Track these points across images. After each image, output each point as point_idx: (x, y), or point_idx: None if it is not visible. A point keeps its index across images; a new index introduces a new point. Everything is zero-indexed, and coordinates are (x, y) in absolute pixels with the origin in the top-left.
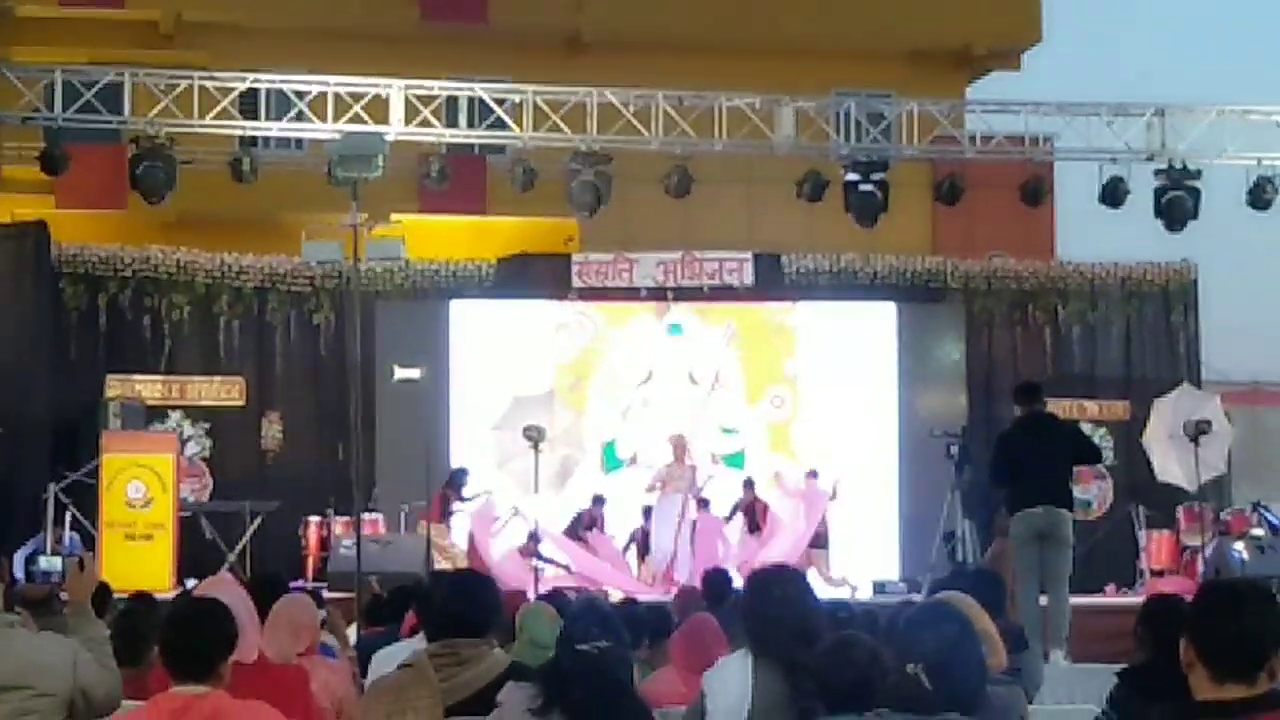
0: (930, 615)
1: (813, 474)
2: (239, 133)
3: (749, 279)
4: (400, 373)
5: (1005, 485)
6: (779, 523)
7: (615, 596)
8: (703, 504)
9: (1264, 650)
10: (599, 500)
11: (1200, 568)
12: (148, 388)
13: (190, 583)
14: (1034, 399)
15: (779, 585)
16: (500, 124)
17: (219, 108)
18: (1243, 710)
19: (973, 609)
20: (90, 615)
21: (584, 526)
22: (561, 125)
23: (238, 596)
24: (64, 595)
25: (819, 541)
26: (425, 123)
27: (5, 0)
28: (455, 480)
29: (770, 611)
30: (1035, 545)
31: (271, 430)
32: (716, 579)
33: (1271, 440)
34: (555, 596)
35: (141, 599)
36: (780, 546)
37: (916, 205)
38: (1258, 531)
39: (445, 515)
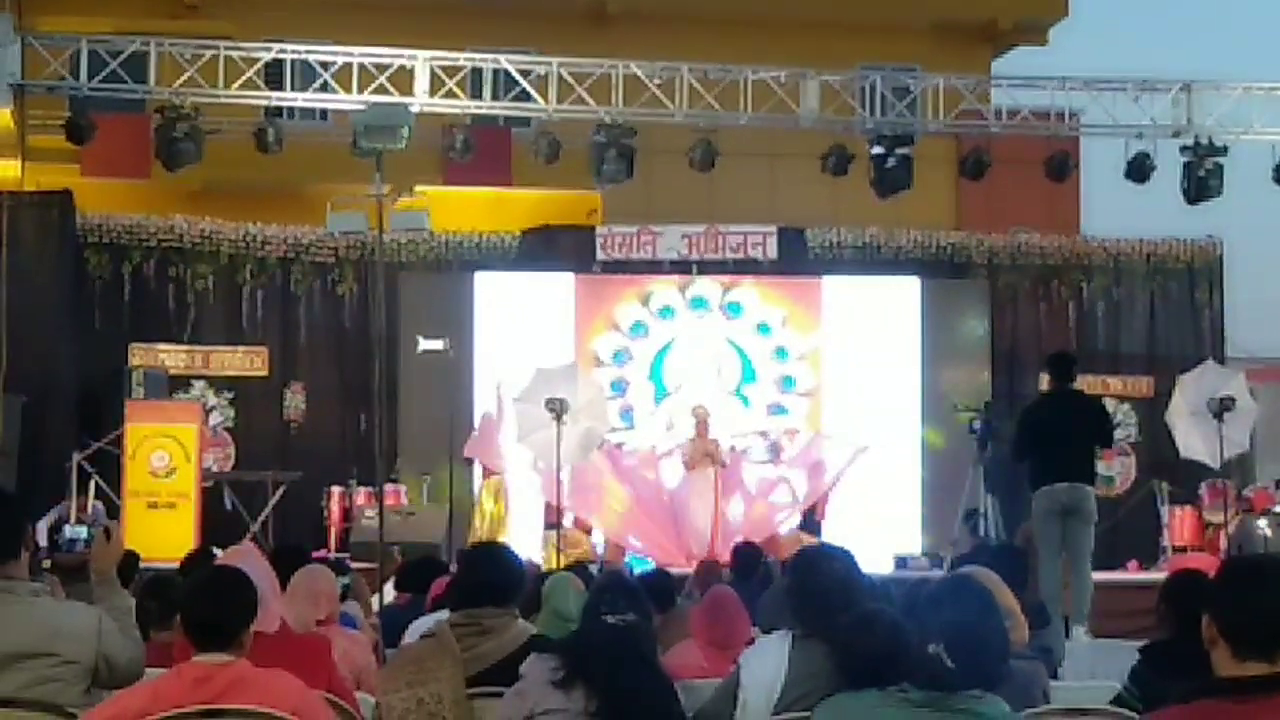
0: (951, 591)
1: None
2: (264, 103)
3: (773, 253)
4: (424, 344)
5: (1027, 459)
6: (767, 484)
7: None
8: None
9: None
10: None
11: (1223, 544)
12: (171, 357)
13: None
14: (1065, 375)
15: (827, 562)
16: (525, 96)
17: (244, 78)
18: (1263, 687)
19: (994, 583)
20: (115, 584)
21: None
22: (586, 97)
23: (259, 566)
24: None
25: (812, 526)
26: (450, 94)
27: None
28: None
29: (818, 589)
30: (1058, 521)
31: (295, 400)
32: (746, 553)
33: None
34: (579, 568)
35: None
36: (759, 512)
37: (941, 180)
38: None
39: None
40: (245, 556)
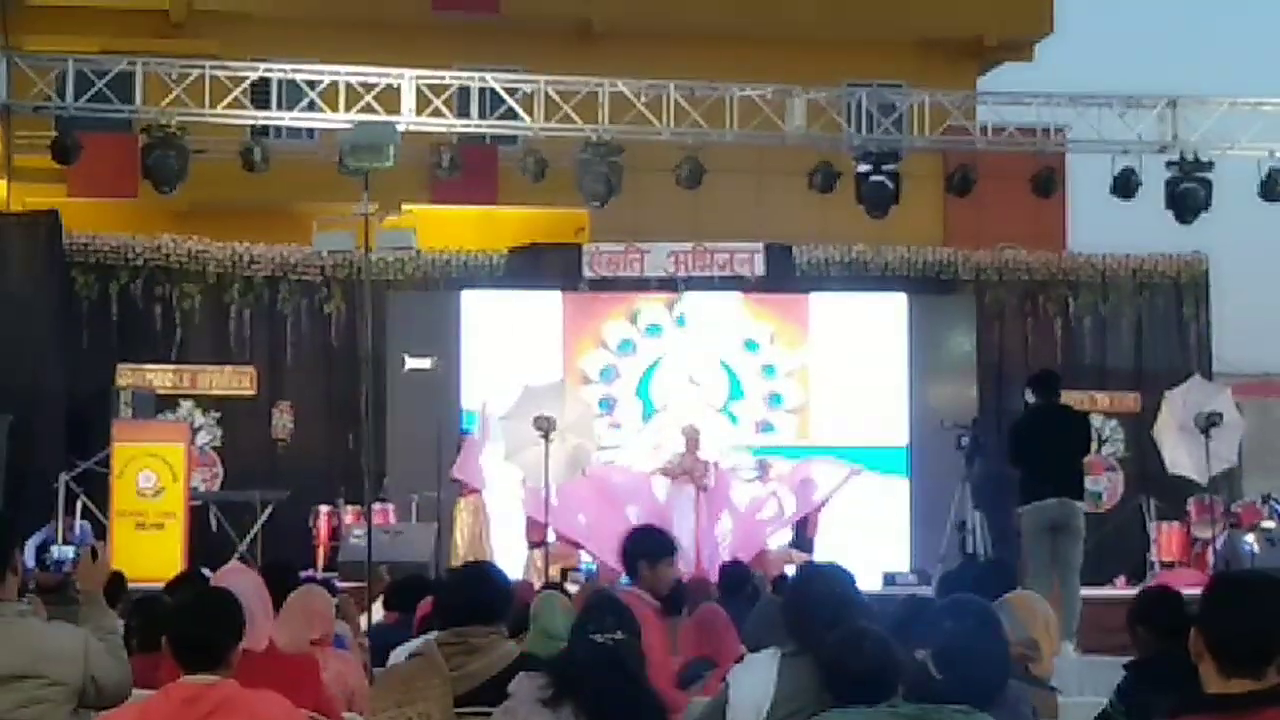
0: (953, 606)
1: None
2: (250, 122)
3: (760, 270)
4: (411, 363)
5: (1021, 466)
6: (756, 502)
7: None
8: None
9: (1273, 644)
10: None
11: (1210, 560)
12: (159, 377)
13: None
14: (1050, 392)
15: (826, 580)
16: (511, 114)
17: (230, 97)
18: (1249, 704)
19: (1029, 609)
20: (102, 604)
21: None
22: (573, 115)
23: (251, 584)
24: (77, 584)
25: (803, 543)
26: (437, 113)
27: None
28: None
29: (814, 606)
30: (1048, 536)
31: (282, 420)
32: (734, 570)
33: None
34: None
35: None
36: (746, 528)
37: (928, 196)
38: (1268, 524)
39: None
40: (238, 574)
